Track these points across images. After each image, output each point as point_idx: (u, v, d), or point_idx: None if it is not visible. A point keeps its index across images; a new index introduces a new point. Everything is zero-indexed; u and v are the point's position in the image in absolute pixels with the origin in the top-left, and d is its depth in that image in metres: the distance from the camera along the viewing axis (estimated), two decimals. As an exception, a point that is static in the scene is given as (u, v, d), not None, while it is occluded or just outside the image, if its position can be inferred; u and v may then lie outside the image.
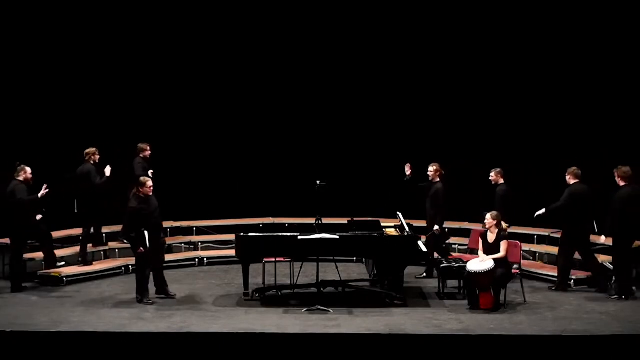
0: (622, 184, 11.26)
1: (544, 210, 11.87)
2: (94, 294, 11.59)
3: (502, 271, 10.78)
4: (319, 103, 15.57)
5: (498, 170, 12.58)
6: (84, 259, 12.83)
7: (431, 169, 12.56)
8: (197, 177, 15.13)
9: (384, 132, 15.44)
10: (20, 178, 11.84)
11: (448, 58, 15.20)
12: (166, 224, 14.12)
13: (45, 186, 11.65)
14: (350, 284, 11.92)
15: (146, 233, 10.89)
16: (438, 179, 12.54)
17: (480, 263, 10.79)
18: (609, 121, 14.40)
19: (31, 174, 11.91)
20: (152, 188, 11.12)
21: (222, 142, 15.49)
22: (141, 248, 10.92)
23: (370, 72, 15.50)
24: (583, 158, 12.98)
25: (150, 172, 12.90)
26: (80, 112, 14.93)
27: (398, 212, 12.13)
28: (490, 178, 12.59)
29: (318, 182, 11.77)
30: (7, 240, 12.50)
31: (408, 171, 12.72)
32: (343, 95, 15.57)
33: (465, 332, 9.80)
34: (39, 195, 11.65)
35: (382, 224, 11.96)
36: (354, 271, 13.18)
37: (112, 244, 13.49)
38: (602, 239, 11.47)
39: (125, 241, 12.60)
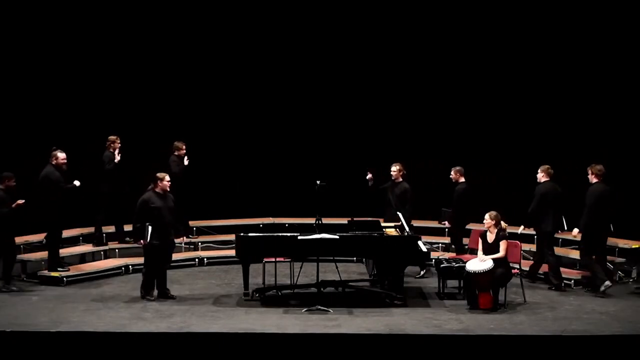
0: (594, 180, 11.56)
1: (522, 227, 12.17)
2: (94, 294, 11.58)
3: (502, 271, 10.78)
4: (319, 103, 15.58)
5: (458, 168, 12.74)
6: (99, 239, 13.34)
7: (394, 168, 12.66)
8: (197, 177, 15.10)
9: (384, 132, 15.44)
10: (53, 162, 11.98)
11: (449, 58, 15.26)
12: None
13: (77, 183, 11.88)
14: (350, 284, 11.92)
15: (150, 227, 10.91)
16: (401, 179, 12.61)
17: (480, 263, 10.79)
18: (609, 120, 14.45)
19: (64, 159, 12.03)
20: (169, 183, 11.19)
21: (222, 143, 15.49)
22: (141, 241, 10.97)
23: (369, 74, 15.54)
24: (585, 158, 12.99)
25: (186, 160, 13.48)
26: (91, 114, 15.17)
27: (398, 212, 12.13)
28: (451, 176, 12.74)
29: (318, 182, 11.78)
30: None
31: (369, 175, 12.82)
32: (342, 96, 15.59)
33: (465, 332, 9.80)
34: (70, 185, 11.85)
35: (382, 224, 11.97)
36: (354, 271, 13.17)
37: (112, 244, 13.49)
38: (575, 232, 11.68)
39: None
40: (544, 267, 12.16)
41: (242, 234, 11.35)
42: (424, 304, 11.19)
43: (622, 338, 9.53)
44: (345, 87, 15.56)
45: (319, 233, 10.97)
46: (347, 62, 15.47)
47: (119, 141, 13.23)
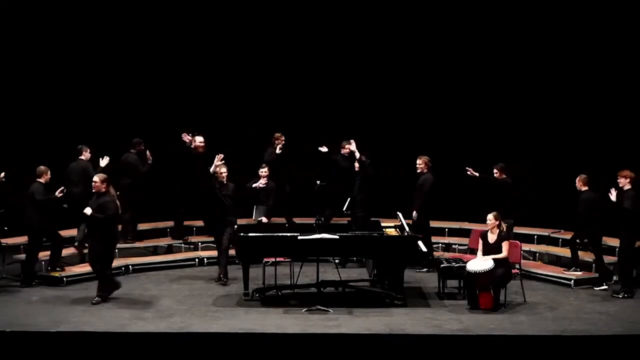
0: (425, 170, 12.78)
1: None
2: (94, 294, 11.56)
3: (502, 271, 10.78)
4: (318, 103, 15.58)
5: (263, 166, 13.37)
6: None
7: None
8: (197, 177, 15.10)
9: (384, 132, 15.45)
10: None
11: (460, 57, 15.33)
12: (166, 224, 14.19)
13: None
14: (350, 284, 11.91)
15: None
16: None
17: (481, 263, 10.79)
18: (612, 124, 14.49)
19: (202, 142, 13.10)
20: (95, 186, 11.00)
21: (221, 142, 15.47)
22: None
23: (370, 74, 15.54)
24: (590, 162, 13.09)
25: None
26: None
27: (398, 212, 12.13)
28: (264, 173, 13.22)
29: (318, 182, 11.79)
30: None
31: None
32: (342, 96, 15.59)
33: (465, 332, 9.81)
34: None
35: (382, 224, 11.97)
36: (354, 271, 13.17)
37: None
38: (414, 215, 12.70)
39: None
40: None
41: (242, 234, 11.35)
42: (424, 304, 11.19)
43: (622, 338, 9.54)
44: (343, 87, 15.57)
45: (319, 233, 10.98)
46: (346, 61, 15.50)
47: (283, 137, 13.74)
